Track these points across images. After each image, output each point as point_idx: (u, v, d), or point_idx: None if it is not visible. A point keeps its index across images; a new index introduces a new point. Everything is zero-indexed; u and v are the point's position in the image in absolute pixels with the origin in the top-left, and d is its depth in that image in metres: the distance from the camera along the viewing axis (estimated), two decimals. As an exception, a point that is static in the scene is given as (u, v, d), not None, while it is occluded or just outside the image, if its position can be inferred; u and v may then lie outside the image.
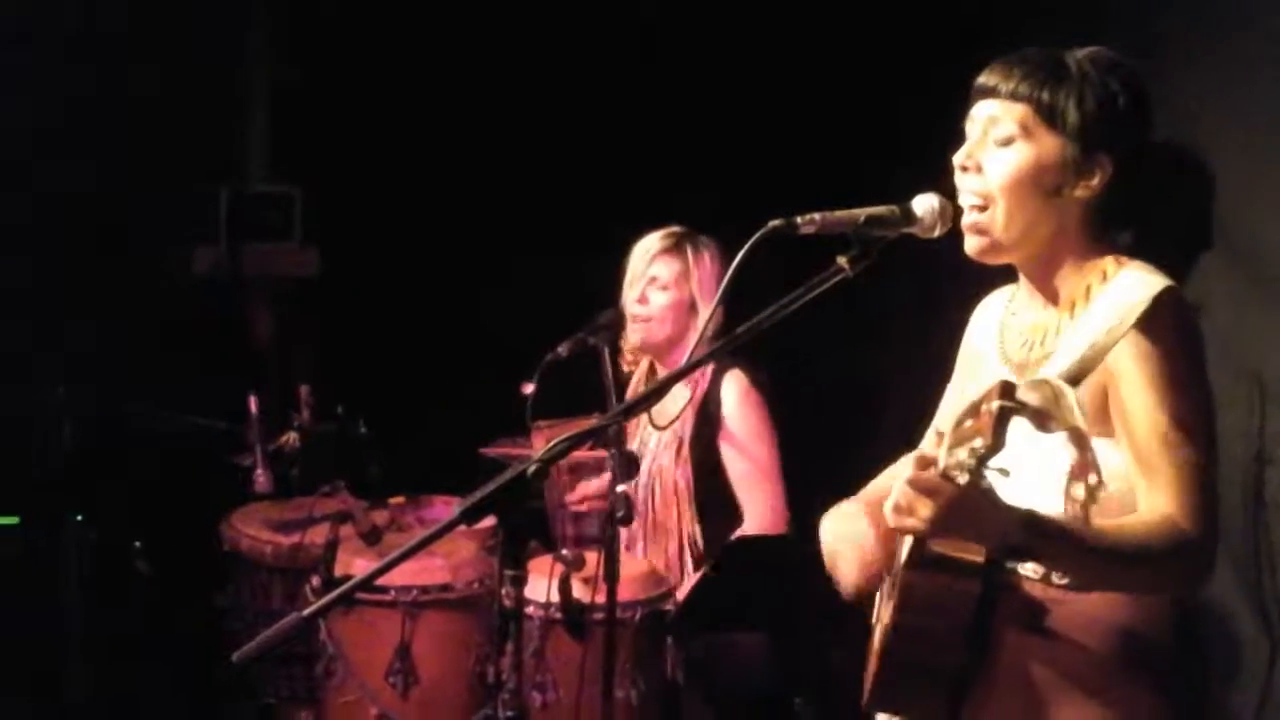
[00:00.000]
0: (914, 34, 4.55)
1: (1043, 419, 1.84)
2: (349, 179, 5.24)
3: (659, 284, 3.78)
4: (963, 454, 1.77)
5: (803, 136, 4.88)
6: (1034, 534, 1.87)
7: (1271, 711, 3.15)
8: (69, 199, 4.69)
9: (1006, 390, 1.78)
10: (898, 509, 1.86)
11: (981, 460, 1.75)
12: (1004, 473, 1.80)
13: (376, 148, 5.25)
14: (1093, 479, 1.85)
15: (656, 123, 5.10)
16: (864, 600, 2.30)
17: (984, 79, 2.11)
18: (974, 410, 1.80)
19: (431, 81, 5.27)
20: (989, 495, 1.83)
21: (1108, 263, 2.08)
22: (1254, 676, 3.20)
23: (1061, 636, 2.06)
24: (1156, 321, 1.97)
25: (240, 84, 5.38)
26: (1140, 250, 2.12)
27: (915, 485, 1.82)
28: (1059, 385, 1.88)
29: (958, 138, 2.16)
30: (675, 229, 3.84)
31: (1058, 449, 1.88)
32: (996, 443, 1.74)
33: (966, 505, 1.81)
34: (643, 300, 3.78)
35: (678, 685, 3.55)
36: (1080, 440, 1.85)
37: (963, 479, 1.77)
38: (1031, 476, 1.95)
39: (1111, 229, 2.12)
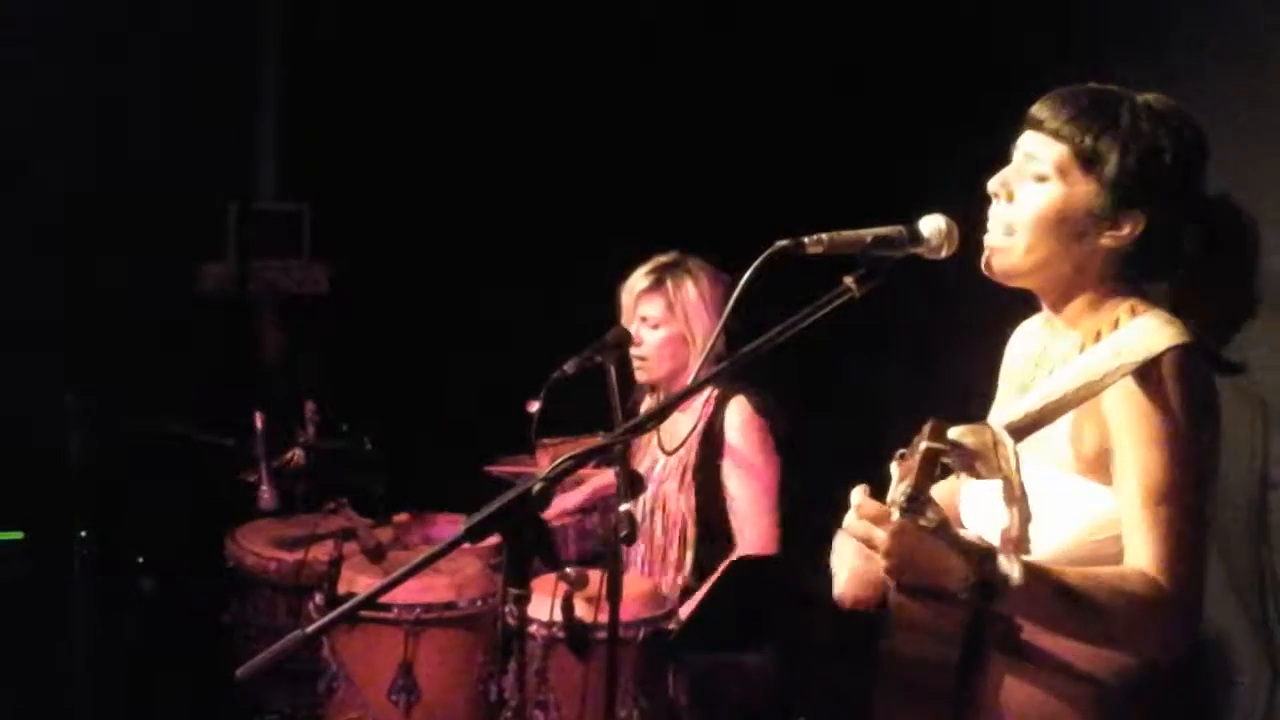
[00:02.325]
0: (920, 53, 4.56)
1: (971, 464, 1.83)
2: (357, 195, 5.26)
3: (650, 323, 3.80)
4: (900, 490, 1.77)
5: (809, 152, 4.90)
6: (996, 571, 1.83)
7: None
8: (76, 215, 4.70)
9: (935, 431, 1.78)
10: (855, 537, 1.87)
11: (911, 499, 1.74)
12: (935, 510, 1.78)
13: (385, 164, 5.27)
14: (1021, 529, 1.82)
15: (663, 142, 5.11)
16: (850, 603, 2.26)
17: (1035, 110, 2.08)
18: (914, 446, 1.80)
19: (439, 98, 5.29)
20: (931, 533, 1.80)
21: (1123, 309, 2.05)
22: (1257, 700, 3.20)
23: (1052, 664, 2.04)
24: (1154, 377, 1.94)
25: (249, 101, 5.40)
26: (1183, 306, 2.06)
27: (862, 517, 1.83)
28: (999, 433, 1.87)
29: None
30: (658, 263, 3.83)
31: (1045, 485, 1.88)
32: (921, 482, 1.74)
33: (911, 541, 1.79)
34: (636, 342, 3.79)
35: (680, 705, 3.55)
36: (1010, 489, 1.83)
37: (895, 515, 1.77)
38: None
39: (1144, 280, 2.09)
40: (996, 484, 1.91)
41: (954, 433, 1.83)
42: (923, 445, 1.76)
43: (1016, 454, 1.86)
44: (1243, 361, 2.06)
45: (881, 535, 1.80)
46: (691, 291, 3.79)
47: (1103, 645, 1.99)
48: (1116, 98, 2.05)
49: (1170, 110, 2.04)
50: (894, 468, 1.89)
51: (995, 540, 1.91)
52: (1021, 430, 1.95)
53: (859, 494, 1.88)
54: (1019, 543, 1.83)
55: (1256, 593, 3.20)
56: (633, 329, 3.79)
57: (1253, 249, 2.05)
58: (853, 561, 2.21)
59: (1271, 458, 3.15)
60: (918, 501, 1.76)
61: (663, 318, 3.79)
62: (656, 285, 3.81)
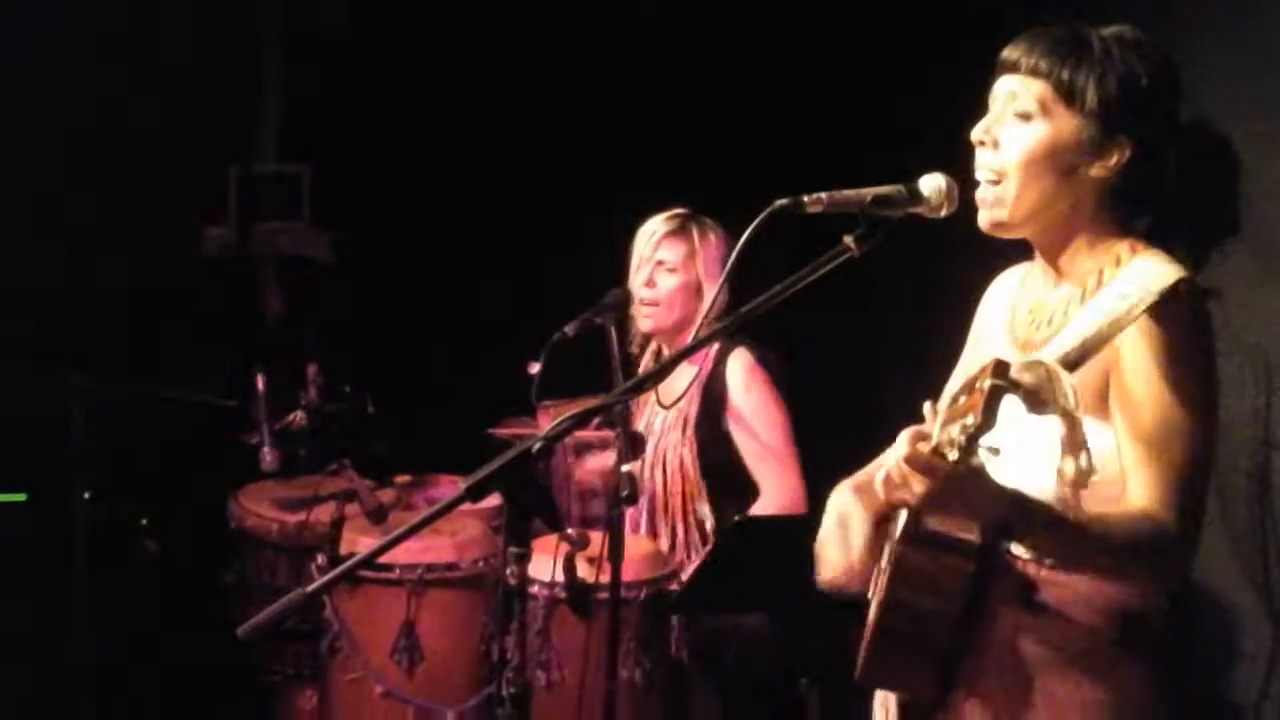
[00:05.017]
0: (920, 14, 4.53)
1: (1034, 400, 1.83)
2: (358, 159, 5.24)
3: (666, 267, 3.78)
4: (955, 431, 1.76)
5: (807, 119, 4.88)
6: (1020, 514, 1.88)
7: (1276, 696, 3.15)
8: (77, 178, 4.69)
9: (999, 369, 1.77)
10: (889, 482, 1.86)
11: (972, 438, 1.74)
12: (994, 451, 1.79)
13: (386, 127, 5.25)
14: (1084, 462, 1.82)
15: (661, 105, 5.09)
16: (839, 588, 2.27)
17: (1006, 54, 2.10)
18: (968, 387, 1.80)
19: (440, 61, 5.27)
20: (979, 473, 1.82)
21: (1123, 248, 2.06)
22: (1258, 661, 3.21)
23: (1054, 615, 2.06)
24: (1166, 314, 1.95)
25: (251, 63, 5.38)
26: (1160, 233, 2.08)
27: (910, 462, 1.81)
28: (1054, 368, 1.86)
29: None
30: (679, 211, 3.84)
31: (1052, 430, 1.87)
32: (987, 421, 1.73)
33: (956, 482, 1.80)
34: (650, 284, 3.78)
35: (682, 665, 3.56)
36: (1072, 424, 1.82)
37: (953, 456, 1.76)
38: (1027, 455, 1.94)
39: (1132, 213, 2.10)
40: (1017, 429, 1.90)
41: (1014, 370, 1.83)
42: (987, 383, 1.74)
43: (1074, 388, 1.85)
44: (1220, 291, 2.08)
45: (923, 480, 1.80)
46: (713, 243, 3.78)
47: (1103, 578, 2.03)
48: (1084, 32, 2.07)
49: (1137, 38, 2.06)
50: (929, 410, 1.90)
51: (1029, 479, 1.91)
52: (1071, 364, 1.96)
53: (908, 438, 1.86)
54: (1081, 478, 1.82)
55: (1259, 553, 3.21)
56: (645, 274, 3.78)
57: (1230, 167, 2.07)
58: (848, 553, 2.22)
59: (1275, 418, 3.14)
60: (976, 441, 1.75)
61: (682, 263, 3.78)
62: (681, 230, 3.80)
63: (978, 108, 2.15)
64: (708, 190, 3.86)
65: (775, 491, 3.70)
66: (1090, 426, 1.98)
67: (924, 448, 1.82)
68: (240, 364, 4.17)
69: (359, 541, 3.63)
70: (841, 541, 2.24)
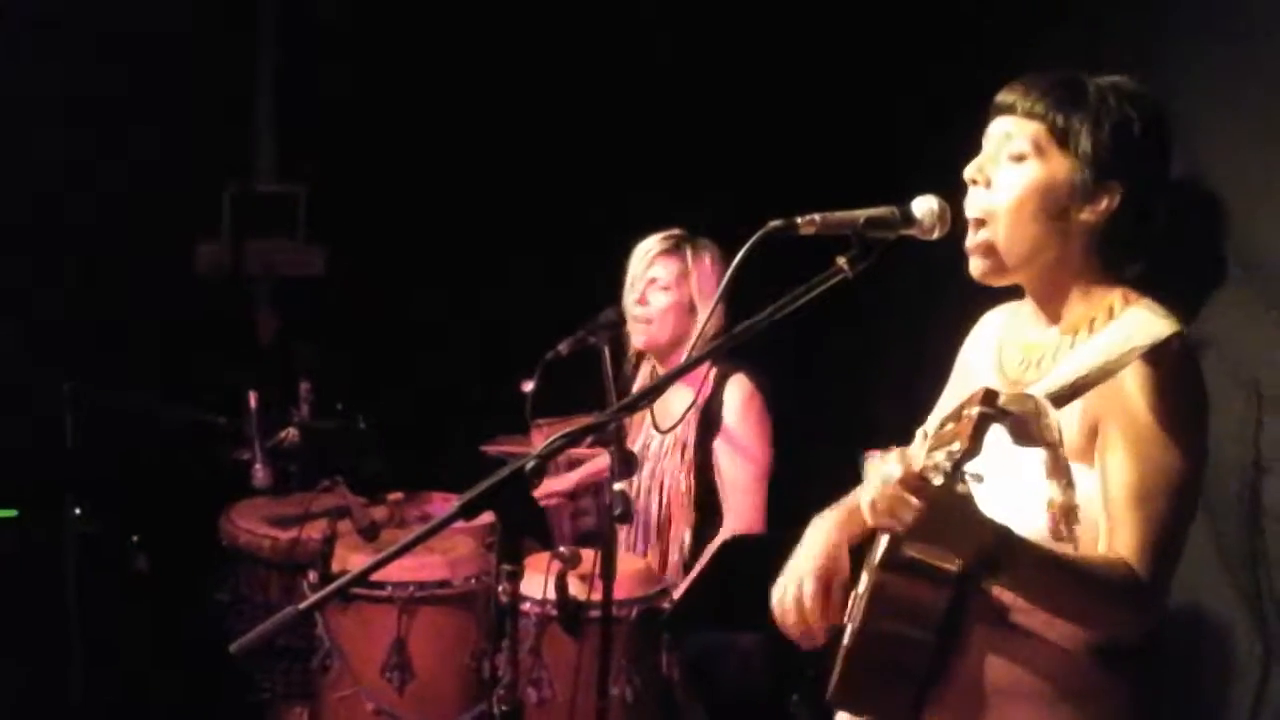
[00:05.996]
0: (912, 36, 4.55)
1: (1021, 431, 1.84)
2: (353, 178, 5.25)
3: (659, 285, 3.80)
4: (940, 456, 1.77)
5: (802, 139, 4.89)
6: (1003, 545, 1.87)
7: (1267, 714, 3.16)
8: (73, 196, 4.70)
9: (988, 397, 1.78)
10: (875, 508, 1.86)
11: (958, 464, 1.75)
12: (978, 478, 1.80)
13: (381, 146, 5.26)
14: (1069, 494, 1.84)
15: (657, 125, 5.11)
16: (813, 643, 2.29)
17: (1002, 96, 2.11)
18: (956, 414, 1.82)
19: (435, 81, 5.29)
20: (965, 501, 1.82)
21: (1115, 297, 2.08)
22: (1248, 683, 3.21)
23: (1030, 641, 2.06)
24: (1157, 367, 1.96)
25: (247, 82, 5.40)
26: (1148, 275, 2.10)
27: (904, 483, 1.82)
28: (1042, 403, 1.87)
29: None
30: (675, 231, 3.85)
31: (1036, 463, 1.89)
32: (973, 447, 1.75)
33: (942, 508, 1.80)
34: (642, 301, 3.80)
35: (673, 683, 3.56)
36: (1055, 459, 1.85)
37: (938, 481, 1.77)
38: (1010, 486, 1.95)
39: (1122, 260, 2.11)
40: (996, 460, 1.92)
41: (1002, 400, 1.84)
42: (975, 410, 1.76)
43: (1059, 425, 1.87)
44: (1214, 340, 2.10)
45: (915, 502, 1.80)
46: (706, 263, 3.80)
47: (1072, 621, 2.03)
48: (1080, 78, 2.09)
49: (1132, 88, 2.08)
50: (920, 436, 1.91)
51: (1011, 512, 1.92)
52: (1056, 403, 1.96)
53: (897, 460, 1.86)
54: (1069, 511, 1.84)
55: (1249, 572, 3.21)
56: (637, 291, 3.80)
57: (1218, 221, 2.08)
58: (809, 605, 2.25)
59: (1264, 441, 3.15)
60: (961, 467, 1.76)
61: (674, 282, 3.80)
62: (675, 249, 3.82)
63: (973, 127, 2.16)
64: (702, 209, 3.87)
65: (740, 519, 3.72)
66: (1076, 471, 1.99)
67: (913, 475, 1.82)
68: (232, 381, 4.17)
69: (351, 559, 3.63)
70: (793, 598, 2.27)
